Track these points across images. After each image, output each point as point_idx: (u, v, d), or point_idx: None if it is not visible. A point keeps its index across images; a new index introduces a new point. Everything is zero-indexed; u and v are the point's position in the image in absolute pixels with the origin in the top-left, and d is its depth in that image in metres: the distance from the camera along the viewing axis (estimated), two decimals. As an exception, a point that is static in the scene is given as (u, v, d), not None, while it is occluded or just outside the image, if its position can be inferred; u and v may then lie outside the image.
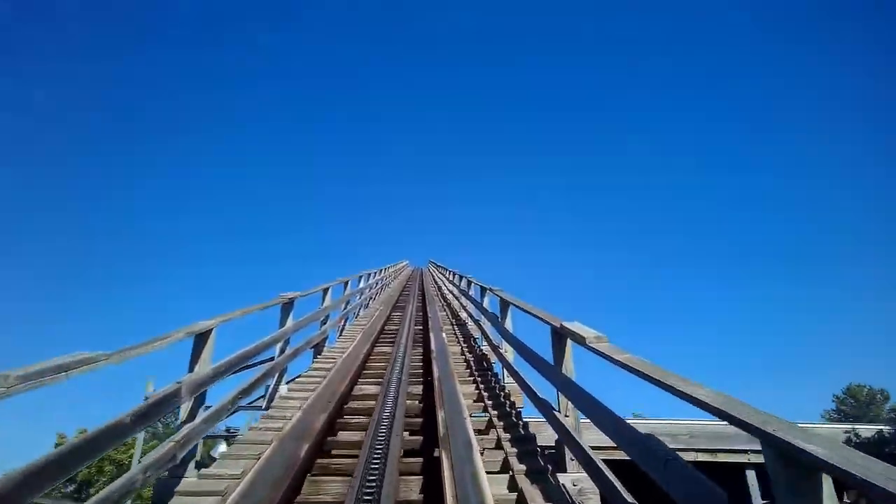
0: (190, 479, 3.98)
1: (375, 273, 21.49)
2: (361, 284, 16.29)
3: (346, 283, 13.32)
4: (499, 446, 4.94)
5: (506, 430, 5.12)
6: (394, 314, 15.34)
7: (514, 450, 4.50)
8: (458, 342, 10.56)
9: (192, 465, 4.13)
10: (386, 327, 12.65)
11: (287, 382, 8.31)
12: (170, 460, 3.55)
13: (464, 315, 15.12)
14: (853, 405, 47.52)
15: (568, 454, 4.23)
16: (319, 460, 4.52)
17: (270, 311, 7.34)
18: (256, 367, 7.13)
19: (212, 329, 4.60)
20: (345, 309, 12.85)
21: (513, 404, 6.01)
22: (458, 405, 5.06)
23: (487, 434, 5.16)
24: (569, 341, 4.56)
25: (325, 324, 10.12)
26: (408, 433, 5.59)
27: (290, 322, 7.37)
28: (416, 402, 6.61)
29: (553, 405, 4.81)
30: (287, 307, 7.44)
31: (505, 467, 4.41)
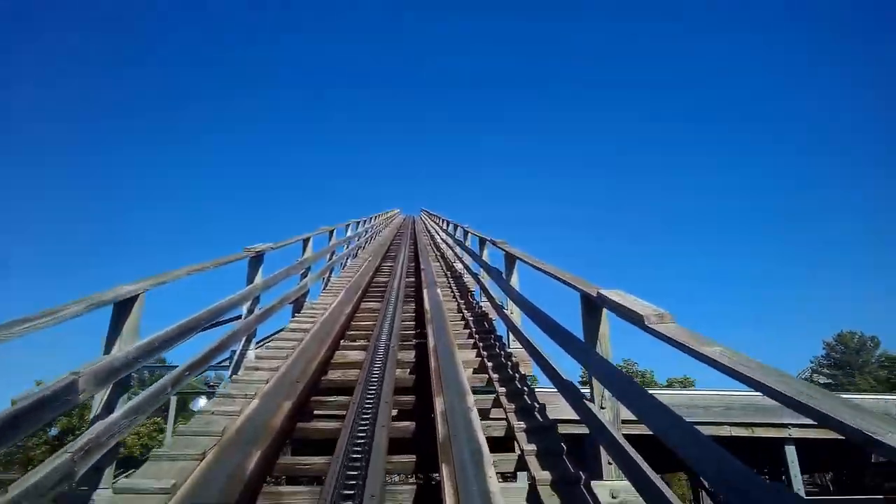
0: (104, 494, 2.99)
1: (365, 221, 20.33)
2: (349, 233, 15.16)
3: (332, 231, 12.19)
4: (510, 436, 4.00)
5: (518, 414, 4.16)
6: (384, 265, 14.32)
7: (532, 446, 3.53)
8: (454, 297, 9.58)
9: (108, 474, 3.13)
10: (375, 279, 11.64)
11: (258, 345, 7.34)
12: (59, 482, 2.52)
13: (459, 266, 14.14)
14: (843, 352, 48.01)
15: (604, 456, 3.27)
16: (282, 461, 3.56)
17: (237, 270, 6.27)
18: (219, 330, 6.09)
19: (138, 295, 3.50)
20: (330, 260, 11.78)
21: (523, 378, 5.05)
22: (461, 387, 4.08)
23: (495, 419, 4.21)
24: (605, 313, 3.53)
25: (305, 277, 9.06)
26: (397, 412, 4.66)
27: (259, 278, 6.29)
28: (408, 371, 5.66)
29: (580, 388, 3.84)
30: (256, 261, 6.33)
31: (521, 468, 3.47)
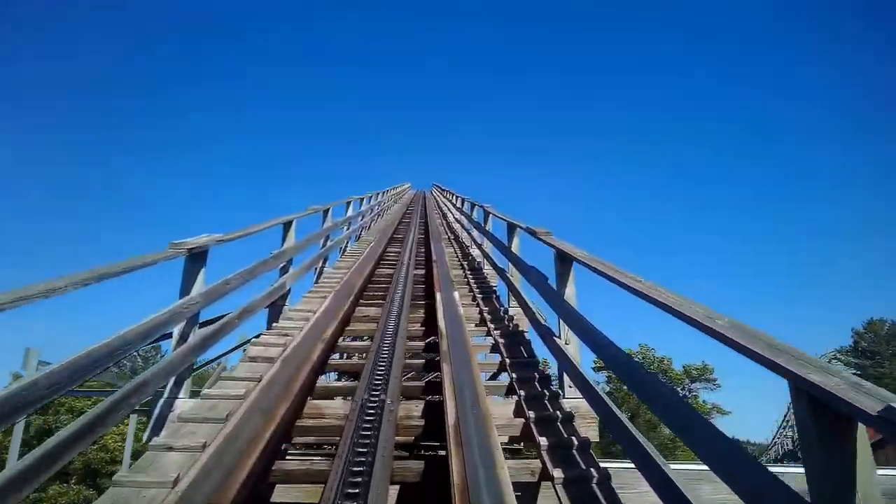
0: None
1: (371, 198, 18.28)
2: (349, 213, 13.15)
3: (326, 211, 10.18)
4: None
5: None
6: (389, 250, 12.33)
7: None
8: (474, 299, 7.57)
9: None
10: (377, 271, 9.66)
11: (221, 362, 5.45)
12: None
13: (476, 253, 12.14)
14: (872, 340, 45.60)
15: None
16: None
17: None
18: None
19: None
20: (324, 247, 9.81)
21: (604, 479, 3.04)
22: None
23: None
24: (861, 433, 1.53)
25: (286, 272, 7.11)
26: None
27: (197, 288, 4.31)
28: (412, 438, 3.74)
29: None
30: (194, 263, 4.36)
31: None
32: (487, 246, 10.39)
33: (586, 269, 4.03)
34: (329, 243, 10.14)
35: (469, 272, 9.74)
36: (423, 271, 9.79)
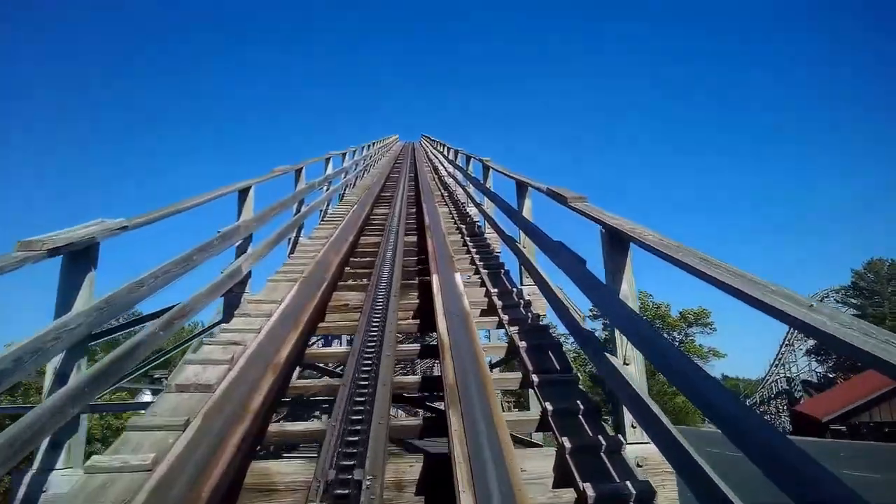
0: None
1: (354, 153, 16.62)
2: (329, 171, 11.61)
3: (299, 171, 8.68)
4: None
5: None
6: (375, 212, 10.86)
7: None
8: (478, 273, 6.24)
9: None
10: (361, 240, 8.26)
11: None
12: None
13: (472, 211, 10.79)
14: (872, 281, 45.08)
15: None
16: None
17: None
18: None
19: None
20: (297, 213, 8.38)
21: None
22: None
23: None
24: None
25: (244, 253, 5.73)
26: None
27: (82, 301, 2.93)
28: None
29: None
30: (77, 263, 2.96)
31: None
32: (488, 206, 8.97)
33: (653, 256, 2.68)
34: (304, 209, 8.69)
35: (468, 237, 8.37)
36: (414, 238, 8.42)
